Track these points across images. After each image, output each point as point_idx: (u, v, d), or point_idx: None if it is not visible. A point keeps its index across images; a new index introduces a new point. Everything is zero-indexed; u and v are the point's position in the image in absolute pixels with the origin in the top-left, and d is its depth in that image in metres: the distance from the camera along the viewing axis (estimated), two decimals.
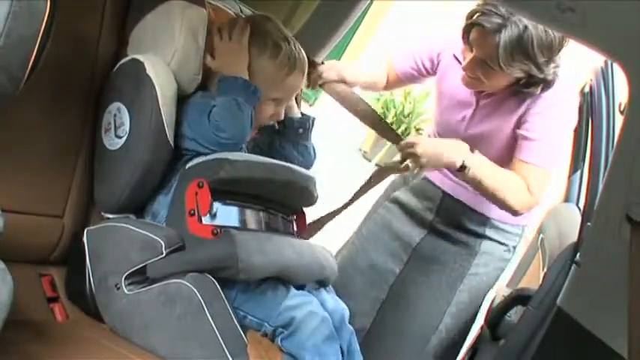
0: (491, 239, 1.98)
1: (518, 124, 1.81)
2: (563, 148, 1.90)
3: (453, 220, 2.00)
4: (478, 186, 1.74)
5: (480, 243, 1.98)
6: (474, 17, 1.70)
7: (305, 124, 1.61)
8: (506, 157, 1.82)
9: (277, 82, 1.48)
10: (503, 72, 1.70)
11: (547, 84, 1.75)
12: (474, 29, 1.71)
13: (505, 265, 2.05)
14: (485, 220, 1.96)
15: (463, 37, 1.77)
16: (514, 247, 2.04)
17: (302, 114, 1.63)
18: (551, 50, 1.68)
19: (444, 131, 1.98)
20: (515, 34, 1.64)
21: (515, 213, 1.78)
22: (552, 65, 1.71)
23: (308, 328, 1.29)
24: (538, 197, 1.78)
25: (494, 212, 1.93)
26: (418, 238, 2.03)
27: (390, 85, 2.16)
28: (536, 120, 1.78)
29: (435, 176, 2.00)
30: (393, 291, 2.06)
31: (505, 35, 1.64)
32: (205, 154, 1.39)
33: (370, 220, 2.16)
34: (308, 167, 1.61)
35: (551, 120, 1.78)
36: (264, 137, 1.60)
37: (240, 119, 1.38)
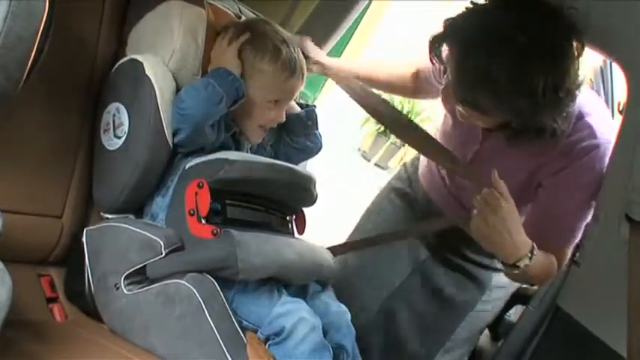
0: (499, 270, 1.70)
1: (540, 178, 1.49)
2: (587, 214, 1.48)
3: (458, 249, 1.76)
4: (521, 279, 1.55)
5: (490, 276, 1.75)
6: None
7: (311, 115, 1.62)
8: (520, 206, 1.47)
9: (278, 85, 1.48)
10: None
11: (541, 132, 1.38)
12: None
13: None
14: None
15: (432, 55, 1.45)
16: None
17: (303, 106, 1.64)
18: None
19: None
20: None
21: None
22: (551, 109, 1.33)
23: (297, 336, 1.29)
24: (554, 271, 1.52)
25: None
26: (424, 255, 1.80)
27: (419, 90, 1.84)
28: (558, 193, 1.46)
29: (438, 199, 1.77)
30: (384, 309, 1.82)
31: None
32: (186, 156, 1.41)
33: (379, 212, 1.92)
34: (319, 151, 1.65)
35: (578, 194, 1.45)
36: (267, 139, 1.59)
37: (203, 95, 1.37)
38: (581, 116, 1.42)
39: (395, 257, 1.83)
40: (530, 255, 1.37)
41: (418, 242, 1.80)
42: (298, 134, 1.61)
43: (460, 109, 1.40)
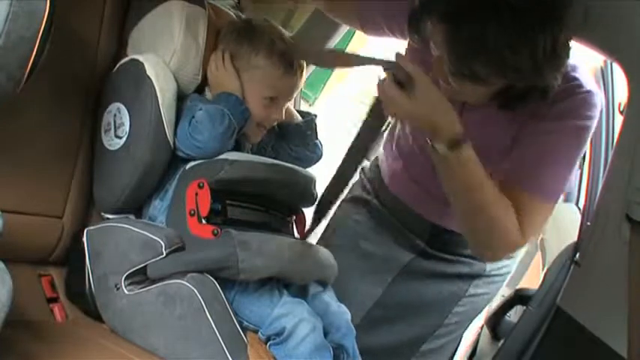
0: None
1: (520, 137, 1.41)
2: (571, 175, 1.40)
3: (448, 249, 1.71)
4: (462, 194, 1.33)
5: (480, 266, 1.71)
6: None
7: (311, 124, 1.61)
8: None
9: (274, 81, 1.47)
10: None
11: (544, 92, 1.32)
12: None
13: (507, 275, 1.81)
14: None
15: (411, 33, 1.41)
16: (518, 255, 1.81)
17: (304, 114, 1.63)
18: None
19: (421, 140, 1.57)
20: None
21: (490, 257, 1.46)
22: (552, 65, 1.27)
23: (298, 337, 1.29)
24: (527, 240, 1.38)
25: None
26: (408, 258, 1.73)
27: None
28: (545, 138, 1.37)
29: (418, 207, 1.69)
30: (370, 315, 1.75)
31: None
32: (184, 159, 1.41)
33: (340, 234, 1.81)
34: (319, 159, 1.64)
35: (566, 138, 1.37)
36: (267, 140, 1.59)
37: (219, 129, 1.38)
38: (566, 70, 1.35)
39: (374, 268, 1.76)
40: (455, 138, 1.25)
41: (399, 249, 1.73)
42: (297, 144, 1.60)
43: (453, 83, 1.31)
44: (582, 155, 1.44)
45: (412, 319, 1.74)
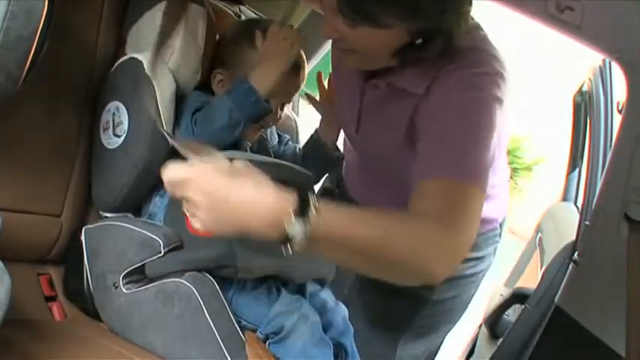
0: None
1: (415, 123, 1.26)
2: (486, 152, 1.17)
3: None
4: (346, 260, 1.05)
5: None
6: None
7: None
8: None
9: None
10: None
11: (447, 39, 1.17)
12: None
13: (480, 274, 1.65)
14: None
15: None
16: (490, 254, 1.62)
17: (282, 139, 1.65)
18: None
19: (346, 143, 1.49)
20: None
21: (433, 277, 1.07)
22: (447, 7, 1.13)
23: (297, 334, 1.29)
24: (468, 231, 1.09)
25: None
26: (346, 288, 1.61)
27: None
28: (442, 112, 1.19)
29: (360, 198, 1.57)
30: None
31: None
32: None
33: None
34: None
35: (468, 107, 1.18)
36: (268, 138, 1.59)
37: (219, 125, 1.36)
38: (474, 48, 1.24)
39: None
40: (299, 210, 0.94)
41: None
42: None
43: (350, 35, 1.18)
44: (490, 135, 1.17)
45: (373, 328, 1.62)
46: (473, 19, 1.27)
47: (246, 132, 1.51)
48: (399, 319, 1.66)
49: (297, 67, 1.47)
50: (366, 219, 1.02)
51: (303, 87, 1.57)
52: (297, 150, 1.66)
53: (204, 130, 1.37)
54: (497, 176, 1.43)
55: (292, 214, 0.93)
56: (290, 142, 1.70)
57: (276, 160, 1.47)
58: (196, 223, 0.95)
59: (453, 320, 1.73)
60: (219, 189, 0.94)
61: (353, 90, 1.39)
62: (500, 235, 1.59)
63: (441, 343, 1.82)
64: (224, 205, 0.93)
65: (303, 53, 1.51)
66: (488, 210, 1.39)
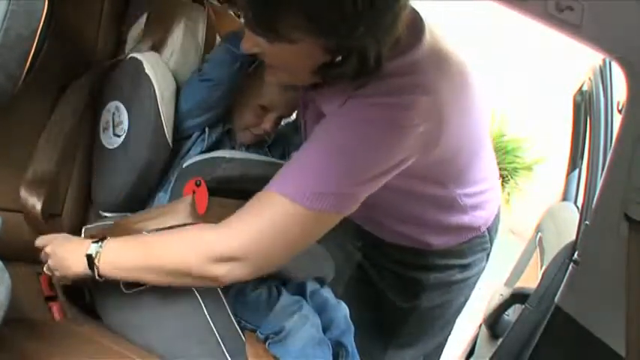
0: (440, 268, 1.55)
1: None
2: (340, 179, 1.15)
3: (384, 259, 1.60)
4: (136, 273, 1.22)
5: (427, 277, 1.56)
6: None
7: None
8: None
9: (267, 90, 1.41)
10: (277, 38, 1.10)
11: (361, 61, 1.12)
12: None
13: (469, 286, 1.64)
14: (425, 252, 1.52)
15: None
16: (480, 260, 1.60)
17: None
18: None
19: None
20: None
21: (212, 279, 1.17)
22: (370, 24, 1.07)
23: (297, 335, 1.29)
24: (247, 238, 1.14)
25: (435, 239, 1.49)
26: (358, 257, 1.64)
27: None
28: (314, 133, 1.20)
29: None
30: None
31: None
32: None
33: None
34: None
35: (343, 133, 1.16)
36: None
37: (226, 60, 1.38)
38: (393, 74, 1.18)
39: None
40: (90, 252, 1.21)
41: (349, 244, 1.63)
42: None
43: (268, 52, 1.16)
44: (364, 165, 1.15)
45: (362, 334, 1.55)
46: (416, 34, 1.21)
47: (239, 134, 1.49)
48: (387, 325, 1.66)
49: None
50: (145, 238, 1.24)
51: None
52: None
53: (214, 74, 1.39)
54: (474, 187, 1.43)
55: (90, 242, 1.23)
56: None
57: (270, 159, 1.46)
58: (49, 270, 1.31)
59: (445, 326, 1.72)
60: (53, 250, 1.28)
61: (301, 103, 1.41)
62: (490, 242, 1.58)
63: (439, 347, 1.81)
64: (54, 257, 1.28)
65: None
66: (469, 218, 1.46)
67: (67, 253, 1.26)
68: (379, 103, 1.15)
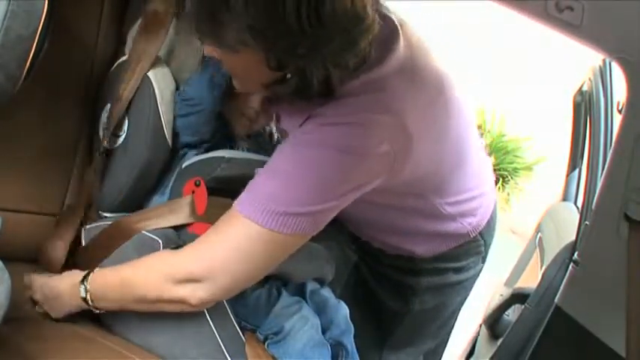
0: (431, 271, 1.53)
1: None
2: (296, 198, 1.12)
3: (377, 262, 1.59)
4: (123, 303, 1.25)
5: (418, 281, 1.55)
6: None
7: None
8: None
9: None
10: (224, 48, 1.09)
11: (302, 81, 1.10)
12: None
13: (466, 287, 1.63)
14: (413, 258, 1.51)
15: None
16: (475, 262, 1.58)
17: None
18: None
19: None
20: None
21: (185, 302, 1.17)
22: (299, 44, 1.01)
23: (296, 335, 1.29)
24: (207, 258, 1.15)
25: (419, 247, 1.48)
26: (354, 258, 1.62)
27: None
28: (281, 146, 1.20)
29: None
30: None
31: None
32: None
33: None
34: None
35: (296, 154, 1.14)
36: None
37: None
38: (350, 94, 1.14)
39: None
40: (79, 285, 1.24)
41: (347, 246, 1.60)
42: None
43: (222, 60, 1.15)
44: (315, 185, 1.12)
45: (356, 335, 1.53)
46: (387, 46, 1.17)
47: (235, 124, 1.48)
48: (382, 328, 1.65)
49: None
50: (120, 272, 1.23)
51: None
52: None
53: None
54: (457, 196, 1.40)
55: (79, 281, 1.24)
56: None
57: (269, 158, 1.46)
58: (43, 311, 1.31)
59: (443, 327, 1.71)
60: (43, 293, 1.30)
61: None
62: (485, 245, 1.55)
63: (441, 347, 1.81)
64: (46, 303, 1.30)
65: None
66: (455, 225, 1.44)
67: (59, 300, 1.28)
68: (337, 123, 1.11)
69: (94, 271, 1.25)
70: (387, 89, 1.15)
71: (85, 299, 1.24)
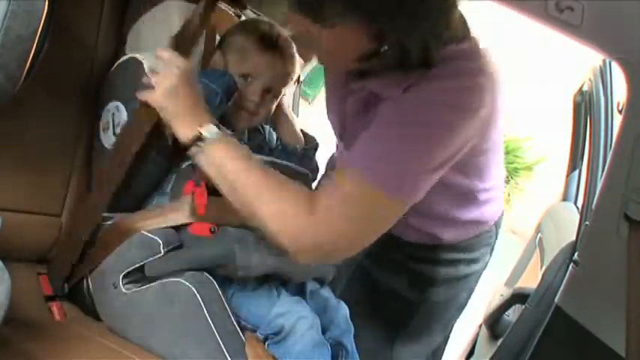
0: (447, 262, 1.57)
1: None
2: (419, 167, 1.16)
3: (394, 252, 1.59)
4: (219, 183, 1.23)
5: (437, 270, 1.58)
6: None
7: (312, 151, 1.60)
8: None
9: (249, 56, 1.44)
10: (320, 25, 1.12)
11: (403, 50, 1.14)
12: None
13: (472, 281, 1.65)
14: (433, 247, 1.54)
15: None
16: (485, 254, 1.62)
17: (307, 138, 1.61)
18: None
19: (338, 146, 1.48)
20: None
21: (293, 254, 1.18)
22: (398, 16, 1.08)
23: (296, 335, 1.29)
24: (336, 229, 1.14)
25: (447, 234, 1.51)
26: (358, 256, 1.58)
27: None
28: (385, 110, 1.21)
29: None
30: None
31: None
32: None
33: None
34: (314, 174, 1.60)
35: (418, 118, 1.16)
36: (264, 139, 1.58)
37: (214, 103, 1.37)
38: (453, 58, 1.20)
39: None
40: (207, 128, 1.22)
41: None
42: (295, 162, 1.55)
43: (313, 37, 1.16)
44: (432, 155, 1.16)
45: (367, 329, 1.60)
46: (465, 25, 1.27)
47: (232, 119, 1.48)
48: (393, 321, 1.66)
49: (269, 44, 1.44)
50: (254, 165, 1.21)
51: (302, 84, 1.57)
52: (298, 149, 1.65)
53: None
54: (491, 181, 1.44)
55: (210, 123, 1.23)
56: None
57: (272, 159, 1.46)
58: (148, 93, 1.26)
59: (450, 322, 1.72)
60: (180, 80, 1.25)
61: (339, 94, 1.41)
62: (495, 236, 1.60)
63: (443, 344, 1.81)
64: (175, 90, 1.25)
65: (288, 43, 1.48)
66: (481, 212, 1.48)
67: (188, 103, 1.25)
68: (445, 87, 1.17)
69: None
70: (479, 58, 1.22)
71: (200, 137, 1.22)
